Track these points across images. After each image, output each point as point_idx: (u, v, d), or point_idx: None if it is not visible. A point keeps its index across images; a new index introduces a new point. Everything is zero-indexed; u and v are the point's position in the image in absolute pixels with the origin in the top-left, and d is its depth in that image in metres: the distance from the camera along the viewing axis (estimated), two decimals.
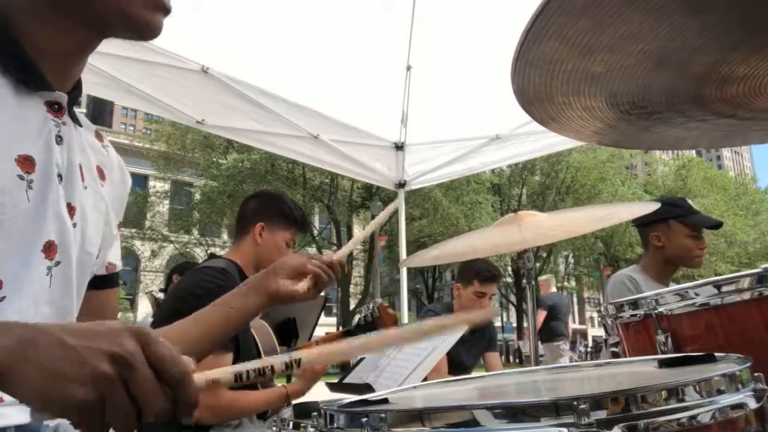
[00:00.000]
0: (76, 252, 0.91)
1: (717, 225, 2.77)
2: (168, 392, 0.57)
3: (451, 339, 2.13)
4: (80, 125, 0.96)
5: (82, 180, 0.93)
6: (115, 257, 1.06)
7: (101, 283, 1.03)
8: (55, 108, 0.88)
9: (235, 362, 1.89)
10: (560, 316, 7.96)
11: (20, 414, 0.93)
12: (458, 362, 3.20)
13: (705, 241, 2.67)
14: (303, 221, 2.31)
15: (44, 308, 0.85)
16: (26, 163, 0.82)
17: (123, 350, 0.55)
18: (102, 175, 1.01)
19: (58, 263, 0.87)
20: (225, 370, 0.64)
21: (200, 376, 0.61)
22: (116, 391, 0.54)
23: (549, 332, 7.75)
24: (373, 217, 22.06)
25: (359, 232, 1.36)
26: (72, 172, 0.90)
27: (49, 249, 0.86)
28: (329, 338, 2.07)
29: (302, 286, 1.18)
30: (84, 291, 0.97)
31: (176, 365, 0.57)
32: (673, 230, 2.63)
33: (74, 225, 0.90)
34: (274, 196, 2.33)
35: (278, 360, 0.64)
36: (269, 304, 1.17)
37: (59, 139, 0.88)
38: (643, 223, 2.69)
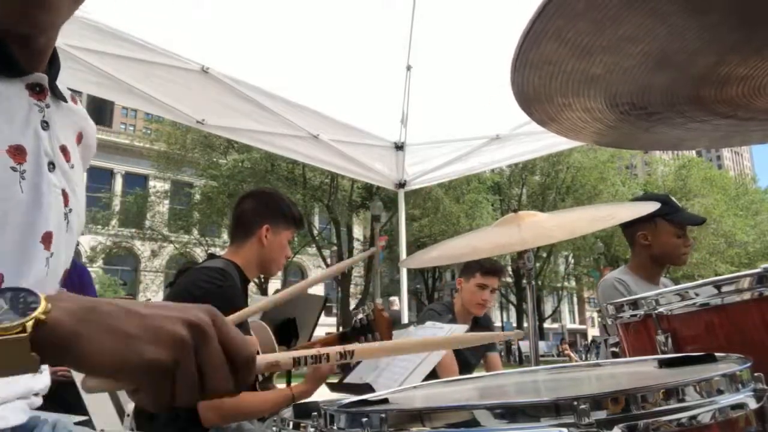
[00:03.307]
0: (76, 235, 0.91)
1: (701, 221, 2.78)
2: (232, 367, 0.57)
3: None
4: (65, 100, 0.94)
5: (69, 160, 0.92)
6: None
7: None
8: (36, 90, 0.86)
9: None
10: None
11: (17, 414, 0.93)
12: (464, 361, 3.22)
13: (690, 239, 2.68)
14: (301, 219, 2.32)
15: None
16: (17, 153, 0.81)
17: (198, 320, 0.56)
18: (79, 139, 1.00)
19: (52, 254, 0.86)
20: (285, 354, 0.66)
21: (261, 359, 0.62)
22: (189, 357, 0.54)
23: None
24: (373, 218, 22.07)
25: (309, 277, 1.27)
26: (60, 157, 0.89)
27: (48, 240, 0.85)
28: (328, 339, 2.07)
29: None
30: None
31: (245, 347, 0.58)
32: (660, 229, 2.62)
33: (70, 211, 0.89)
34: (273, 196, 2.32)
35: (334, 350, 0.67)
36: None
37: (45, 125, 0.86)
38: (628, 223, 2.68)
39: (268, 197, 2.31)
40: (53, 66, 0.91)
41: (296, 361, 0.65)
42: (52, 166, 0.86)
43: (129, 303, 0.57)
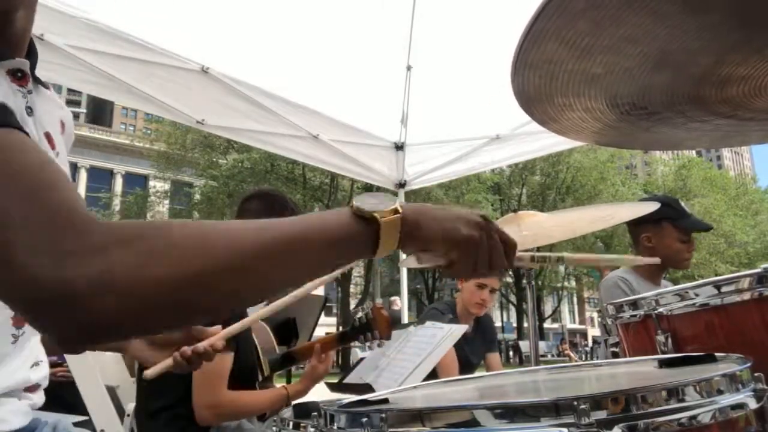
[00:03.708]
0: None
1: (707, 228, 2.76)
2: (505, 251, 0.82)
3: (449, 340, 2.13)
4: (47, 87, 0.93)
5: (53, 148, 0.91)
6: None
7: None
8: (18, 76, 0.85)
9: (233, 361, 1.89)
10: None
11: (18, 417, 0.93)
12: (466, 361, 3.21)
13: (694, 244, 2.67)
14: None
15: None
16: None
17: (487, 219, 0.80)
18: (62, 128, 0.99)
19: None
20: (525, 254, 0.96)
21: (522, 252, 0.88)
22: (487, 235, 0.79)
23: None
24: None
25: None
26: (45, 144, 0.88)
27: None
28: (328, 338, 2.07)
29: (155, 370, 1.12)
30: None
31: (510, 239, 0.83)
32: (665, 232, 2.61)
33: None
34: (277, 197, 2.32)
35: (527, 255, 0.98)
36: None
37: (29, 110, 0.86)
38: (634, 223, 2.68)
39: (272, 198, 2.31)
40: (31, 56, 0.90)
41: (534, 258, 0.96)
42: None
43: (436, 208, 0.79)
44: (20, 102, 0.84)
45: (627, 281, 2.56)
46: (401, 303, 5.09)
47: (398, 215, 0.70)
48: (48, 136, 0.90)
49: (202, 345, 1.14)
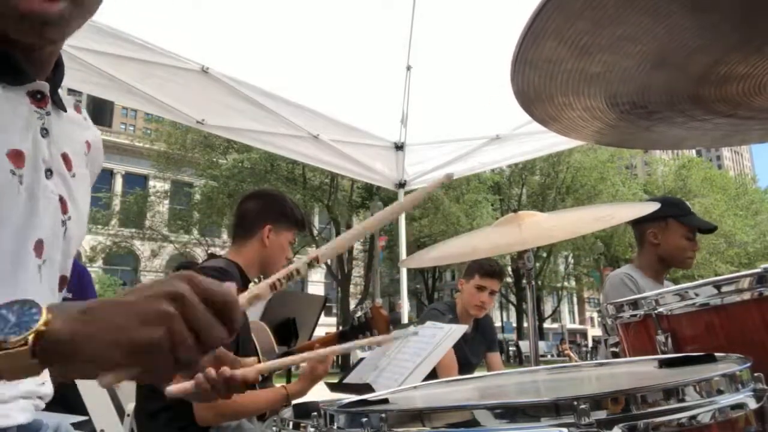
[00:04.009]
0: (74, 241, 0.91)
1: (712, 229, 2.79)
2: (219, 318, 0.63)
3: (449, 340, 2.13)
4: (65, 110, 0.95)
5: (70, 169, 0.92)
6: None
7: None
8: (37, 98, 0.87)
9: None
10: None
11: (21, 414, 0.93)
12: (465, 361, 3.22)
13: (698, 244, 2.69)
14: (303, 221, 2.32)
15: None
16: (17, 158, 0.81)
17: (176, 289, 0.61)
18: (88, 148, 1.00)
19: (44, 261, 0.86)
20: (261, 285, 0.71)
21: (243, 296, 0.68)
22: (180, 325, 0.60)
23: None
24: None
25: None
26: (59, 164, 0.89)
27: (40, 247, 0.85)
28: (328, 338, 2.07)
29: (178, 388, 0.96)
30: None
31: (224, 296, 0.63)
32: (671, 229, 2.64)
33: (69, 218, 0.89)
34: (276, 197, 2.32)
35: (301, 261, 0.72)
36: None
37: (45, 132, 0.87)
38: (640, 221, 2.70)
39: (271, 198, 2.31)
40: (57, 73, 0.92)
41: (272, 287, 0.70)
42: (49, 173, 0.86)
43: (121, 295, 0.63)
44: (36, 123, 0.86)
45: (632, 278, 2.58)
46: (401, 303, 5.10)
47: (25, 348, 0.56)
48: (65, 156, 0.91)
49: (234, 372, 0.99)
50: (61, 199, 0.88)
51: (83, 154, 0.98)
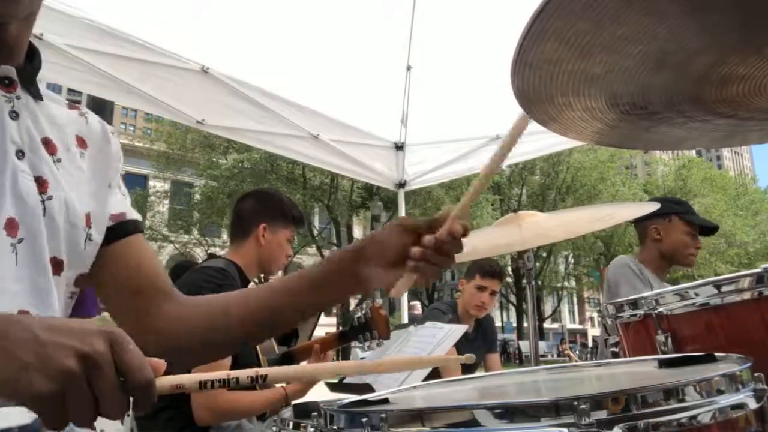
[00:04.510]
0: (62, 223, 0.90)
1: (714, 229, 2.81)
2: (129, 394, 0.60)
3: (450, 340, 2.13)
4: (41, 99, 0.94)
5: (53, 153, 0.91)
6: (117, 207, 1.04)
7: (112, 234, 1.01)
8: (5, 83, 0.87)
9: (233, 360, 1.90)
10: None
11: (20, 415, 0.93)
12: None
13: (700, 242, 2.71)
14: (301, 218, 2.32)
15: (14, 286, 0.83)
16: None
17: (92, 350, 0.57)
18: (84, 144, 0.99)
19: (21, 240, 0.85)
20: (191, 377, 0.66)
21: (164, 381, 0.63)
22: (78, 388, 0.57)
23: None
24: (373, 218, 22.05)
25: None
26: (35, 145, 0.89)
27: (10, 226, 0.83)
28: (327, 339, 2.07)
29: (401, 285, 0.93)
30: (83, 262, 0.95)
31: (142, 373, 0.60)
32: (673, 226, 2.67)
33: (50, 198, 0.88)
34: (272, 196, 2.32)
35: (244, 373, 0.67)
36: (352, 295, 1.01)
37: (14, 115, 0.87)
38: (643, 217, 2.71)
39: (266, 196, 2.32)
40: (32, 62, 0.91)
41: (202, 384, 0.66)
42: (21, 154, 0.86)
43: (42, 326, 0.59)
44: (4, 107, 0.86)
45: (638, 265, 2.61)
46: (401, 303, 5.09)
47: None
48: (47, 141, 0.91)
49: (444, 233, 0.90)
50: (39, 180, 0.87)
51: (74, 145, 0.97)
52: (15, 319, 0.60)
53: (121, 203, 1.05)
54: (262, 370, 0.68)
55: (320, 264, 1.03)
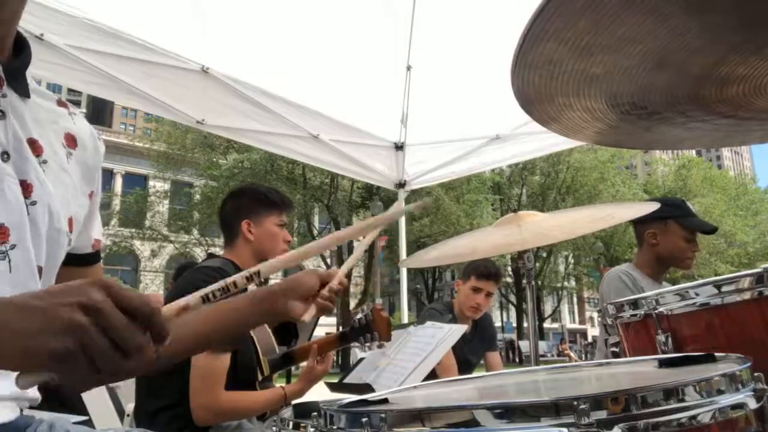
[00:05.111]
0: (45, 229, 0.88)
1: (713, 230, 2.79)
2: (141, 327, 0.61)
3: (449, 340, 2.13)
4: (28, 96, 0.91)
5: (39, 154, 0.89)
6: (98, 233, 1.04)
7: (85, 260, 1.01)
8: None
9: (233, 360, 1.90)
10: None
11: (4, 412, 0.92)
12: (464, 361, 3.22)
13: (698, 245, 2.70)
14: (283, 200, 2.28)
15: (10, 293, 0.82)
16: None
17: (91, 299, 0.58)
18: (73, 143, 0.97)
19: (13, 246, 0.83)
20: (192, 295, 0.68)
21: (169, 306, 0.66)
22: (93, 337, 0.57)
23: None
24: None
25: (358, 244, 1.30)
26: (21, 146, 0.86)
27: (2, 231, 0.82)
28: (328, 339, 2.07)
29: (308, 314, 1.14)
30: (56, 269, 0.93)
31: (144, 303, 0.61)
32: (670, 230, 2.64)
33: (33, 203, 0.86)
34: (244, 191, 2.32)
35: (239, 275, 0.73)
36: (267, 322, 1.20)
37: (1, 114, 0.84)
38: (640, 220, 2.70)
39: (240, 193, 2.31)
40: (19, 58, 0.89)
41: (205, 298, 0.68)
42: (6, 155, 0.83)
43: (30, 296, 0.60)
44: None
45: (630, 276, 2.59)
46: (401, 303, 5.10)
47: None
48: (33, 141, 0.88)
49: (334, 285, 1.18)
50: (24, 183, 0.85)
51: (62, 145, 0.95)
52: (7, 300, 0.60)
53: (99, 226, 1.05)
54: (255, 268, 0.75)
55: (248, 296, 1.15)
